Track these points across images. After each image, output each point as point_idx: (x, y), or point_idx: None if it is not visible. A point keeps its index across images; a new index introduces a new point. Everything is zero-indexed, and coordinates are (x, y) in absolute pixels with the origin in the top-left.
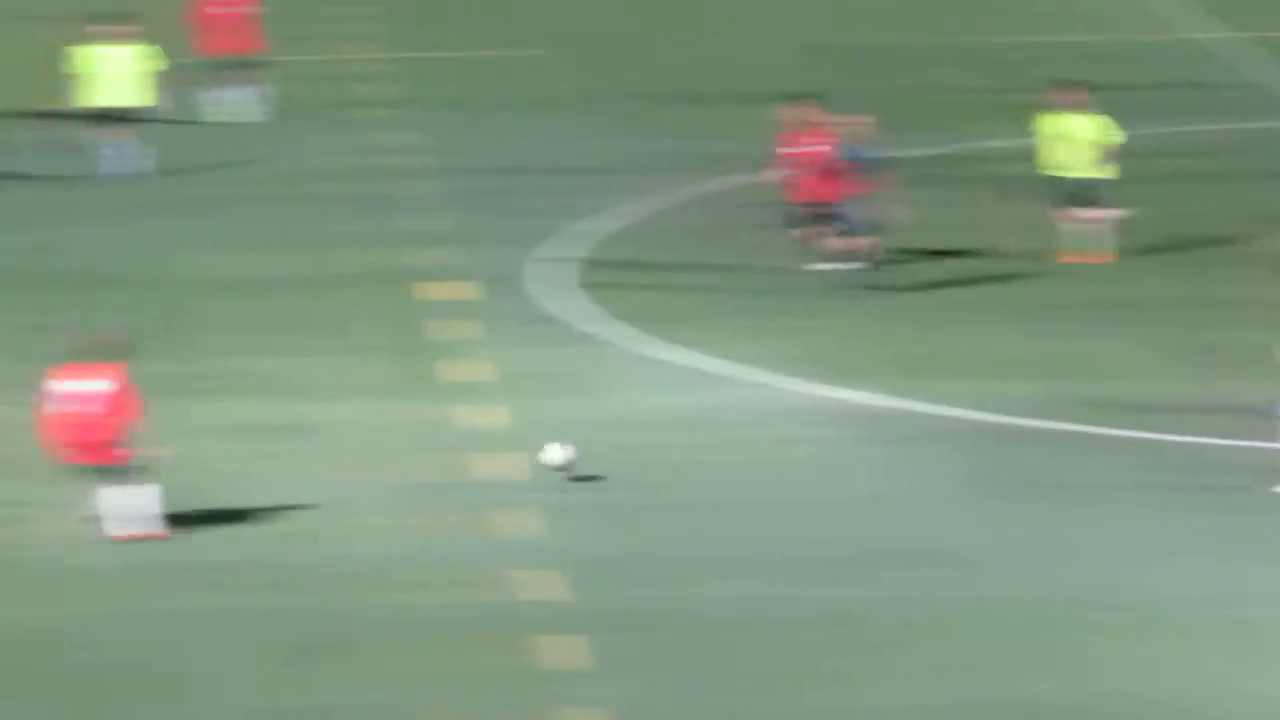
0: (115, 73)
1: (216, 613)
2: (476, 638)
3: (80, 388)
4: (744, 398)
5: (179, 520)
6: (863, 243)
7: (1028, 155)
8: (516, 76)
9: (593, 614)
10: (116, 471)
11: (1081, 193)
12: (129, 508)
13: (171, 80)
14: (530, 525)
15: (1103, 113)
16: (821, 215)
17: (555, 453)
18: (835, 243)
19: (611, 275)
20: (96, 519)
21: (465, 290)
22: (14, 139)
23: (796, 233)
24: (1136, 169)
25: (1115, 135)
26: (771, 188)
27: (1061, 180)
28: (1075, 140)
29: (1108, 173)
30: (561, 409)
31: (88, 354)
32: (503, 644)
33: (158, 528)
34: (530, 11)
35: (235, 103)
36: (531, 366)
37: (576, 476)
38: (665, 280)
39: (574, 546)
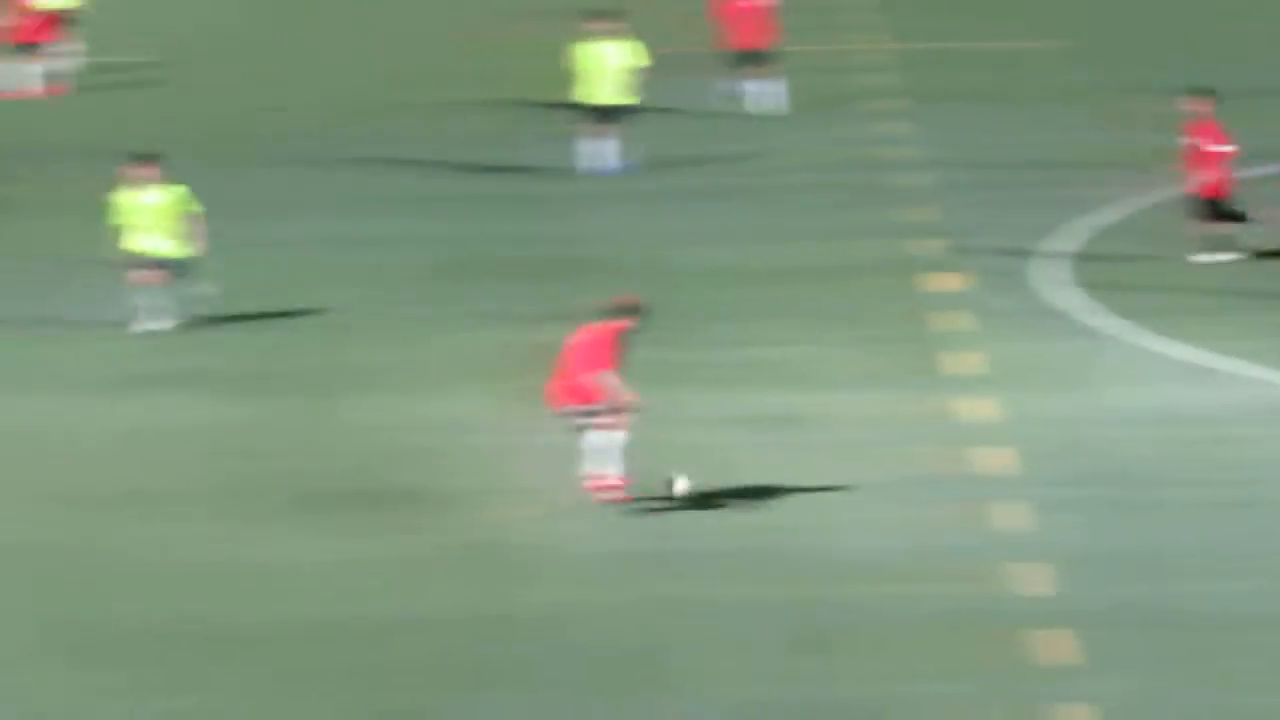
0: (608, 68)
1: (713, 602)
2: (968, 631)
3: (576, 339)
4: (1247, 394)
5: (682, 508)
6: None
7: None
8: (1023, 68)
9: (1084, 609)
10: (593, 414)
11: None
12: (602, 453)
13: (664, 72)
14: (1023, 519)
15: None
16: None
17: (683, 484)
18: None
19: (1109, 270)
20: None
21: (964, 282)
22: (526, 130)
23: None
24: None
25: None
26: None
27: None
28: None
29: None
30: (1058, 403)
31: (599, 316)
32: (994, 638)
33: (615, 477)
34: (1033, 4)
35: (755, 95)
36: (1029, 360)
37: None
38: (1163, 275)
39: (1065, 541)
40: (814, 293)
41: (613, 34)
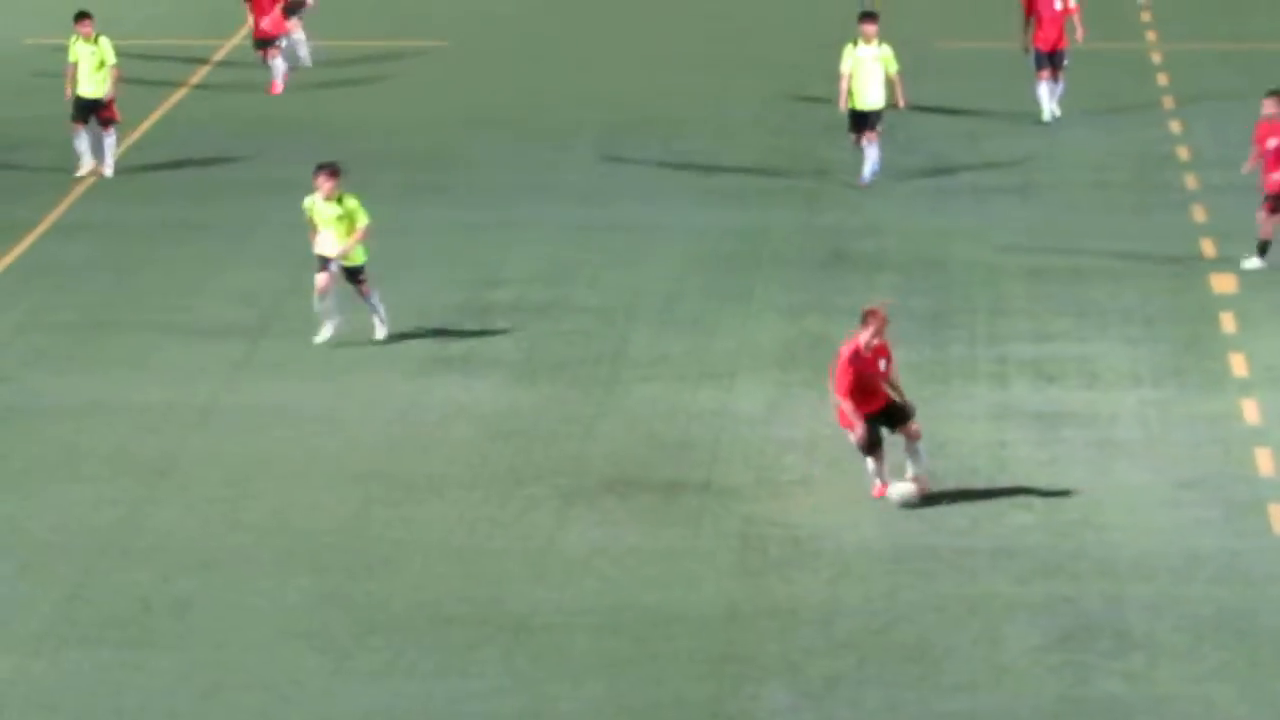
0: (864, 73)
1: (983, 597)
2: (1241, 633)
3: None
4: None
5: (957, 503)
6: None
7: None
8: None
9: None
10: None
11: None
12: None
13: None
14: None
15: None
16: None
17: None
18: None
19: None
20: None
21: (1242, 283)
22: None
23: None
24: None
25: None
26: None
27: None
28: None
29: None
30: None
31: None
32: (1269, 642)
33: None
34: None
35: (1049, 95)
36: None
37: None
38: None
39: None
40: (1099, 290)
41: (873, 37)
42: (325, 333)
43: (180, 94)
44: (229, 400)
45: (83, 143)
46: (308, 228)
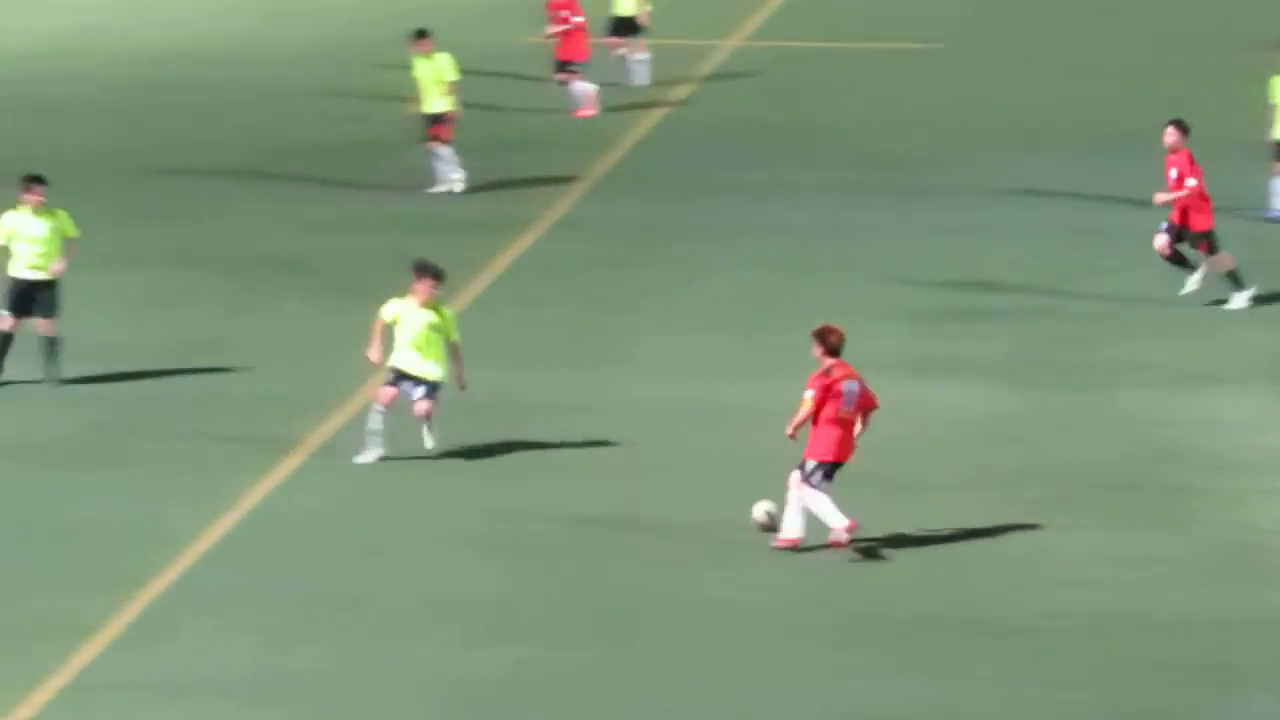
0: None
1: None
2: None
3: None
4: None
5: None
6: None
7: None
8: None
9: None
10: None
11: None
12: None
13: None
14: None
15: None
16: None
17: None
18: None
19: None
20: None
21: None
22: None
23: None
24: None
25: None
26: None
27: None
28: None
29: None
30: None
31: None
32: None
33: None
34: None
35: None
36: None
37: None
38: None
39: None
40: None
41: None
42: (368, 456)
43: (681, 93)
44: (719, 397)
45: (437, 159)
46: (386, 335)
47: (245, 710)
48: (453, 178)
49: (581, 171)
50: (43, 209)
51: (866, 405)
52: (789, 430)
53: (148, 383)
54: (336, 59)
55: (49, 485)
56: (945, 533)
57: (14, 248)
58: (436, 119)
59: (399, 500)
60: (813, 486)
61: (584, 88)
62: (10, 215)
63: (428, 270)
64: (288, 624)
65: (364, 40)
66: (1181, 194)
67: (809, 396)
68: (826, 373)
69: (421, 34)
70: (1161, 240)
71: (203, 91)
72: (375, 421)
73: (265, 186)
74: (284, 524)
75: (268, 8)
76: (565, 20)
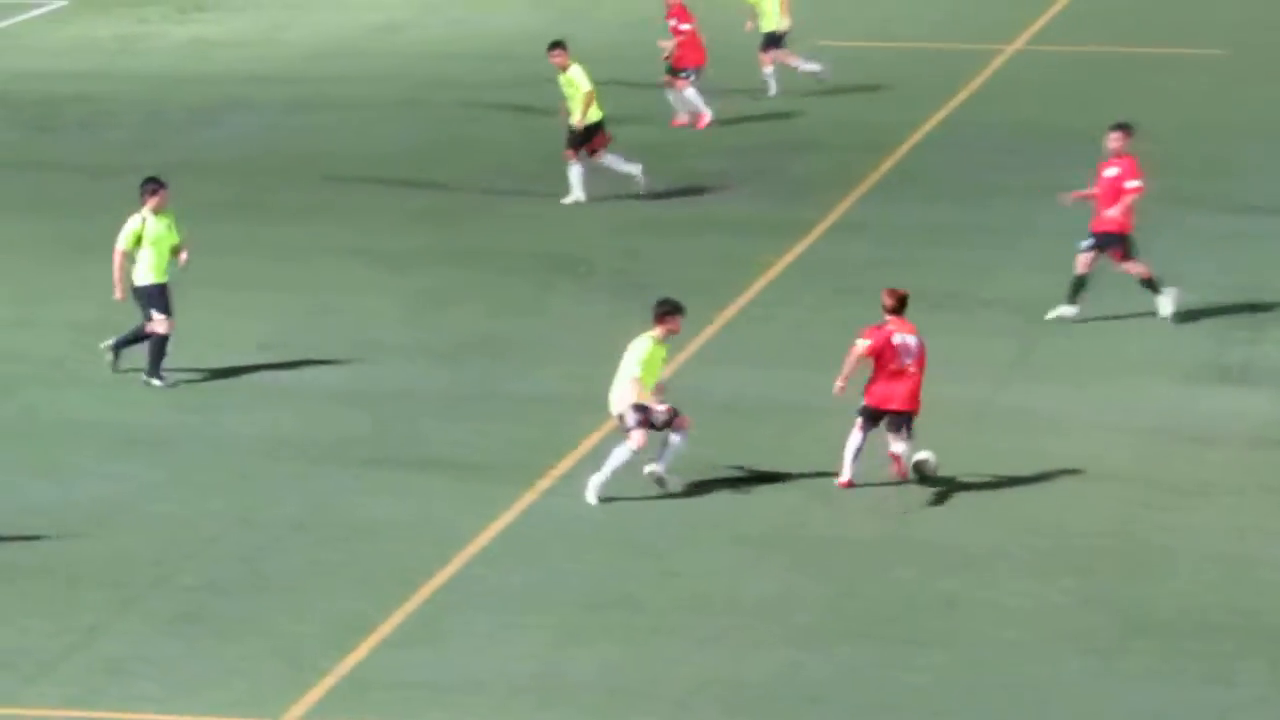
0: None
1: None
2: None
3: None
4: None
5: None
6: None
7: None
8: None
9: None
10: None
11: None
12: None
13: None
14: None
15: None
16: None
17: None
18: None
19: None
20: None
21: None
22: None
23: None
24: None
25: None
26: None
27: None
28: None
29: None
30: None
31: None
32: None
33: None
34: None
35: None
36: None
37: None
38: None
39: None
40: None
41: None
42: (595, 494)
43: (959, 98)
44: (1000, 400)
45: (573, 173)
46: (641, 382)
47: (533, 712)
48: (631, 171)
49: (860, 174)
50: (164, 211)
51: (923, 360)
52: (838, 383)
53: (426, 382)
54: (624, 58)
55: (333, 483)
56: (1223, 538)
57: (143, 252)
58: (588, 131)
59: (672, 501)
60: (859, 429)
61: (693, 95)
62: (135, 219)
63: (679, 310)
64: (565, 624)
65: (647, 41)
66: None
67: (860, 344)
68: (880, 327)
69: (556, 45)
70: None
71: (492, 91)
72: (621, 459)
73: (546, 186)
74: (559, 524)
75: (566, 6)
76: (675, 30)
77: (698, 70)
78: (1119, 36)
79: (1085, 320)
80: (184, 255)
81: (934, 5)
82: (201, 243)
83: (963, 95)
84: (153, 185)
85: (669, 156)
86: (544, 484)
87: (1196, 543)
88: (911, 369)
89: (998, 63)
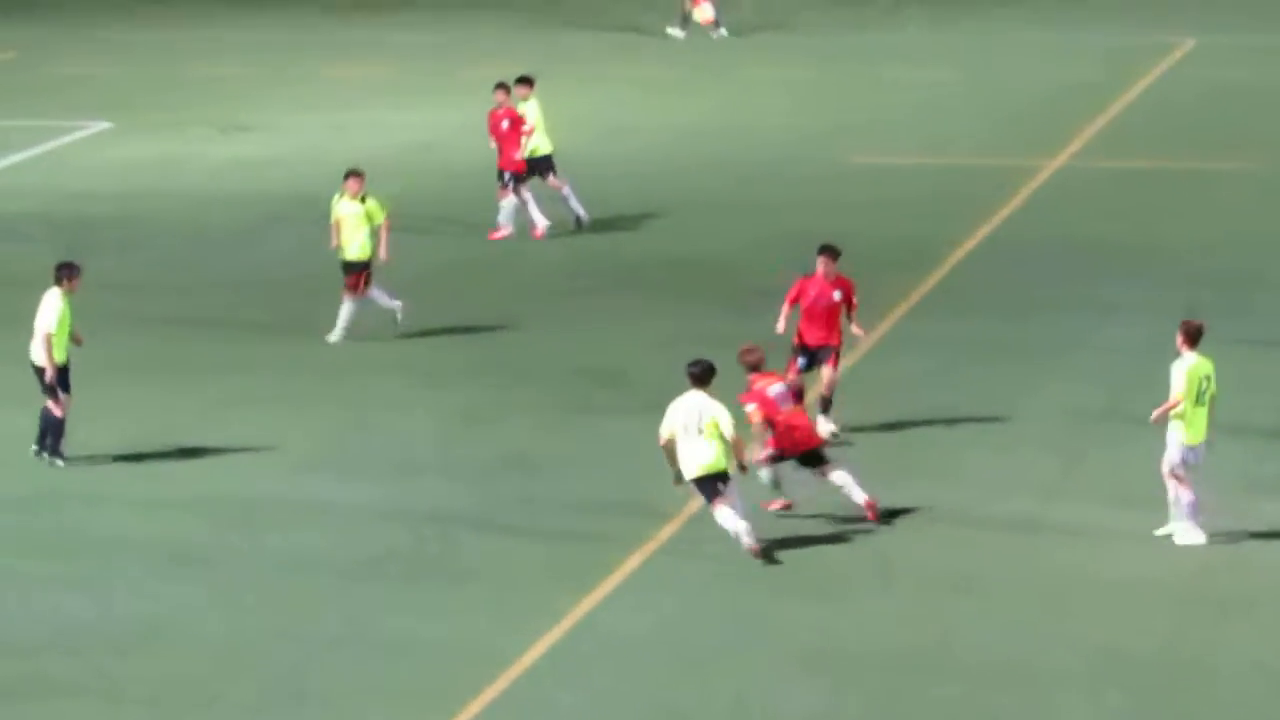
0: None
1: None
2: None
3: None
4: None
5: None
6: None
7: None
8: None
9: None
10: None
11: None
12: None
13: None
14: None
15: None
16: None
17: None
18: None
19: None
20: None
21: None
22: None
23: None
24: None
25: None
26: None
27: None
28: None
29: None
30: None
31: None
32: None
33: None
34: None
35: None
36: None
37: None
38: None
39: None
40: None
41: None
42: (736, 534)
43: (1004, 213)
44: (1044, 517)
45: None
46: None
47: None
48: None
49: (903, 290)
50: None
51: (798, 396)
52: (746, 460)
53: (463, 498)
54: (714, 170)
55: (367, 598)
56: (1270, 652)
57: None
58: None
59: (721, 615)
60: (769, 465)
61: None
62: (58, 303)
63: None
64: None
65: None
66: None
67: (755, 415)
68: (752, 391)
69: (353, 173)
70: None
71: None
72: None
73: (580, 302)
74: (605, 640)
75: (606, 127)
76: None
77: (519, 176)
78: (1163, 151)
79: (1130, 435)
80: (80, 338)
81: (979, 120)
82: (239, 361)
83: (1006, 210)
84: (73, 269)
85: (719, 272)
86: (590, 601)
87: (1243, 657)
88: (797, 408)
89: (1042, 177)
